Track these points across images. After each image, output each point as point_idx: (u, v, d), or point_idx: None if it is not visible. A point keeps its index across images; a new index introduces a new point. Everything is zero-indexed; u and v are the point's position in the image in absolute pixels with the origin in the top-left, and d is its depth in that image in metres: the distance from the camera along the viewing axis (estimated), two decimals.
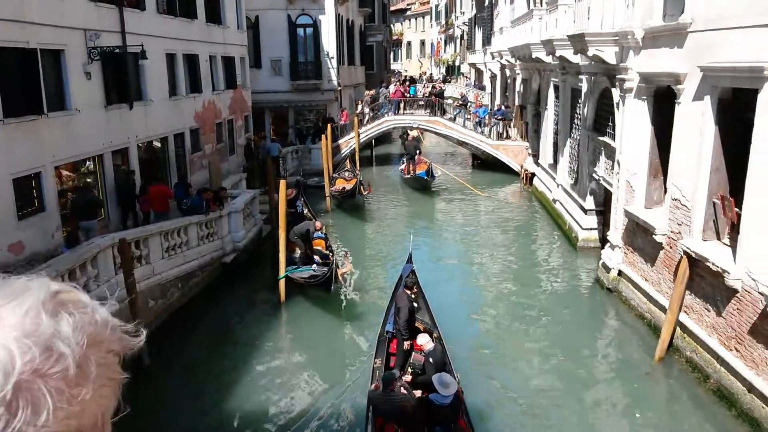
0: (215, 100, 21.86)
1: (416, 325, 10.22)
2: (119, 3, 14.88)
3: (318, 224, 14.94)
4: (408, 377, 8.52)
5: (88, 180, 14.10)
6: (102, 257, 10.46)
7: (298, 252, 14.70)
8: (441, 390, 7.25)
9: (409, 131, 31.13)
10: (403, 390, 7.58)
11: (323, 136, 23.68)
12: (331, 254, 14.39)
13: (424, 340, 8.77)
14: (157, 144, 17.64)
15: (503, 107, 29.02)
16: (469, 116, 29.33)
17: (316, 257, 13.99)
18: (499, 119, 27.72)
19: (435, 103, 29.41)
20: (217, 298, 13.76)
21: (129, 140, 15.48)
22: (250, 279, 15.07)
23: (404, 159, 26.50)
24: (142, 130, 16.25)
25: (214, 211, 14.54)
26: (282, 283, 13.17)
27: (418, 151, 26.36)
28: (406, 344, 9.50)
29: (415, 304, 10.40)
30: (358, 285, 14.14)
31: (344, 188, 21.75)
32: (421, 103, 30.54)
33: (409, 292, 10.30)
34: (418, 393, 7.96)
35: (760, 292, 7.90)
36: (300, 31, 29.70)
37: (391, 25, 58.32)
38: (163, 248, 12.50)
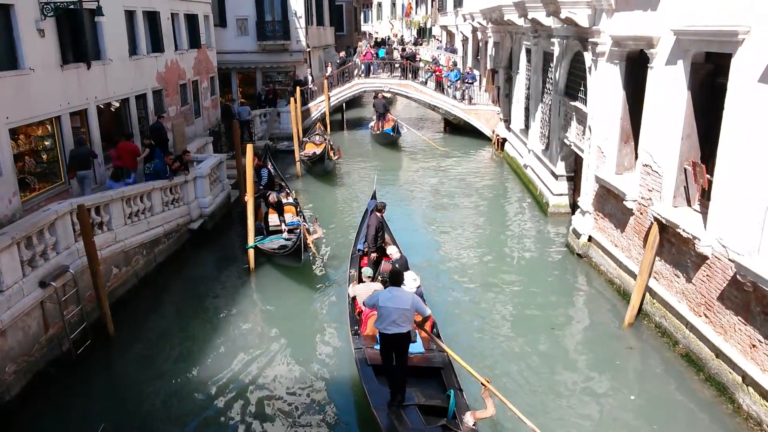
0: (178, 60, 21.09)
1: (383, 244, 11.59)
2: None
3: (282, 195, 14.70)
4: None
5: (47, 143, 13.50)
6: (60, 224, 10.03)
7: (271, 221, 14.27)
8: (409, 282, 8.58)
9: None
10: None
11: (292, 99, 23.15)
12: (302, 220, 14.13)
13: (392, 251, 10.67)
14: (116, 104, 16.97)
15: (473, 71, 28.80)
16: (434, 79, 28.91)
17: (284, 227, 13.74)
18: (470, 83, 27.45)
19: (406, 66, 28.91)
20: (185, 266, 13.47)
21: (88, 101, 14.82)
22: (218, 246, 14.76)
23: (374, 117, 27.49)
24: (102, 91, 15.57)
25: (178, 176, 14.11)
26: (251, 251, 12.92)
27: (386, 109, 27.18)
28: (374, 255, 11.38)
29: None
30: (327, 250, 13.96)
31: (314, 153, 21.37)
32: (397, 65, 29.99)
33: (379, 214, 11.62)
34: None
35: (730, 259, 7.95)
36: None
37: None
38: (125, 214, 12.09)
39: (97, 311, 10.43)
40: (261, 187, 15.06)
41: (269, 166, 17.64)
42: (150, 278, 12.60)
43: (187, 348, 10.03)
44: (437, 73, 28.95)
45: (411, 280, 8.94)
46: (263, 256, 13.12)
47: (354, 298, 9.58)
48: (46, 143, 13.50)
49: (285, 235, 13.53)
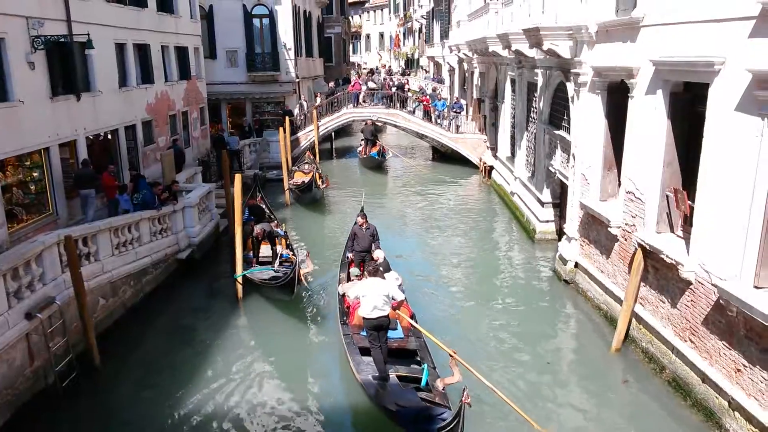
0: (168, 92, 21.26)
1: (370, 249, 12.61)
2: None
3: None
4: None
5: (35, 173, 13.51)
6: (47, 255, 10.00)
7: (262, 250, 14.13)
8: (391, 280, 9.72)
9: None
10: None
11: (281, 128, 23.33)
12: (292, 254, 14.03)
13: (379, 254, 11.63)
14: (107, 136, 17.03)
15: (460, 101, 29.23)
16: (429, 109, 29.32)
17: (276, 262, 13.64)
18: (457, 112, 27.83)
19: (394, 97, 29.30)
20: (172, 296, 13.39)
21: (77, 132, 14.89)
22: (206, 276, 14.68)
23: (362, 142, 29.07)
24: (91, 122, 15.66)
25: (167, 206, 14.13)
26: (239, 281, 12.88)
27: (374, 136, 28.59)
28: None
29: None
30: (317, 281, 13.92)
31: (303, 181, 21.48)
32: (375, 92, 30.41)
33: (360, 220, 12.89)
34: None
35: (712, 284, 8.06)
36: (256, 21, 29.19)
37: (350, 17, 57.90)
38: (113, 245, 12.07)
39: (83, 343, 10.33)
40: (251, 219, 15.04)
41: (258, 199, 17.59)
42: (137, 309, 12.52)
43: (174, 379, 9.93)
44: (424, 102, 29.35)
45: (393, 279, 10.14)
46: (252, 287, 13.02)
47: (344, 295, 10.93)
48: (35, 174, 13.52)
49: (276, 266, 13.44)
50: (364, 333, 9.20)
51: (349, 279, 12.11)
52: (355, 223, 13.17)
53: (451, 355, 8.00)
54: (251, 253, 13.92)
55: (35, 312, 9.26)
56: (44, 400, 9.24)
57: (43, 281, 9.89)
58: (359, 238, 12.74)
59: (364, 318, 8.83)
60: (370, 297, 8.67)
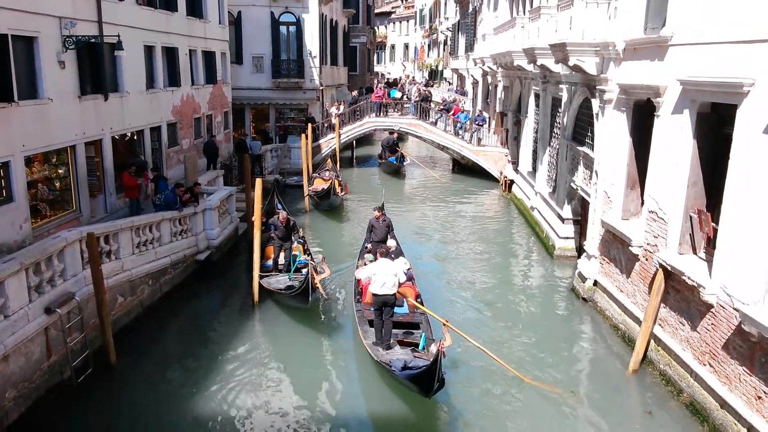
0: (194, 95, 21.53)
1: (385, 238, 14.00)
2: None
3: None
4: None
5: (60, 171, 13.72)
6: (69, 251, 10.14)
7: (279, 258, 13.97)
8: (400, 264, 10.93)
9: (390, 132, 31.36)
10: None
11: (303, 135, 23.48)
12: (309, 259, 13.91)
13: (391, 243, 13.57)
14: (133, 136, 17.28)
15: (483, 113, 29.20)
16: (450, 121, 29.34)
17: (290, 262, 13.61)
18: (480, 125, 27.78)
19: (421, 108, 29.40)
20: (190, 297, 13.48)
21: (103, 132, 15.12)
22: (224, 278, 14.77)
23: (381, 148, 30.72)
24: (117, 122, 15.90)
25: (188, 207, 14.26)
26: (255, 284, 12.93)
27: (393, 143, 29.54)
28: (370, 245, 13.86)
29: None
30: (333, 288, 13.91)
31: (322, 188, 21.56)
32: (406, 105, 30.46)
33: (377, 213, 14.19)
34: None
35: (734, 308, 7.92)
36: (283, 28, 29.47)
37: (375, 28, 58.24)
38: (133, 244, 12.20)
39: (100, 339, 10.44)
40: (270, 228, 15.06)
41: (275, 206, 17.63)
42: (154, 308, 12.64)
43: (187, 380, 9.97)
44: (454, 113, 29.32)
45: (402, 263, 11.58)
46: (269, 292, 13.05)
47: (359, 280, 11.83)
48: (60, 171, 13.73)
49: (291, 275, 13.34)
50: (373, 309, 10.40)
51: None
52: (373, 216, 14.39)
53: (444, 324, 9.20)
54: (269, 262, 13.80)
55: (55, 307, 9.38)
56: (59, 395, 9.34)
57: (63, 277, 10.03)
58: (376, 229, 14.10)
59: (373, 294, 10.14)
60: (380, 275, 10.01)
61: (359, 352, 10.74)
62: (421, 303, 11.48)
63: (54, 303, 9.45)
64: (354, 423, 9.09)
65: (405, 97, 32.10)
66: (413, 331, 10.97)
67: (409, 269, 12.08)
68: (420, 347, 10.08)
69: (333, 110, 30.15)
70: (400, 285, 10.29)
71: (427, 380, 8.32)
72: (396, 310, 10.59)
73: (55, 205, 13.58)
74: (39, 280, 9.35)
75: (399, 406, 9.32)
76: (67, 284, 10.00)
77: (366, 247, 14.28)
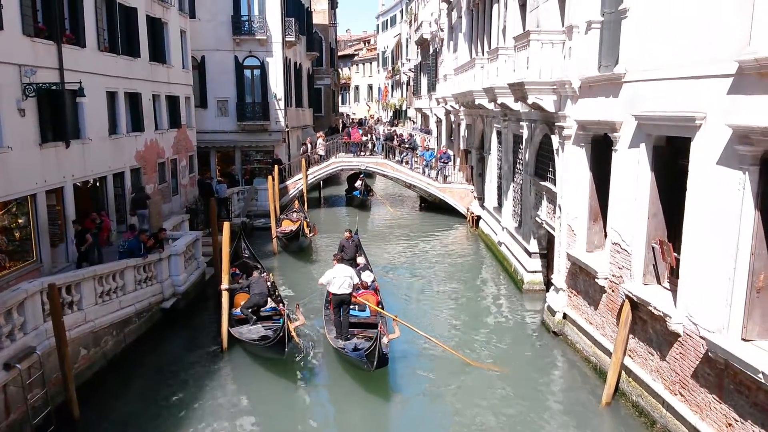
0: (158, 139, 21.40)
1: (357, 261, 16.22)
2: (57, 39, 14.48)
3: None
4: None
5: (20, 220, 13.39)
6: (29, 303, 9.82)
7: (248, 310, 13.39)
8: (366, 277, 14.35)
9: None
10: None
11: (269, 176, 23.44)
12: (282, 306, 13.53)
13: (361, 260, 16.34)
14: (95, 183, 17.01)
15: (447, 151, 29.65)
16: (416, 159, 29.69)
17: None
18: (445, 162, 28.16)
19: (387, 147, 29.74)
20: (155, 347, 13.09)
21: (65, 179, 14.88)
22: (191, 326, 14.38)
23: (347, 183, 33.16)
24: (79, 169, 15.67)
25: (152, 254, 14.00)
26: (224, 330, 12.64)
27: (356, 175, 31.57)
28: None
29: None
30: (306, 334, 13.57)
31: (291, 230, 21.44)
32: (370, 146, 30.70)
33: (347, 234, 16.28)
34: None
35: (701, 336, 8.06)
36: (247, 72, 29.70)
37: (339, 69, 59.07)
38: (96, 293, 11.89)
39: (62, 394, 10.04)
40: (238, 274, 14.84)
41: (243, 250, 17.49)
42: (119, 360, 12.24)
43: None
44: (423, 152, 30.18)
45: (367, 276, 14.54)
46: (238, 340, 12.69)
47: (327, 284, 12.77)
48: (20, 221, 13.41)
49: (264, 325, 12.93)
50: (333, 307, 12.26)
51: None
52: (344, 237, 16.24)
53: (393, 319, 11.61)
54: (238, 310, 13.20)
55: (14, 362, 9.02)
56: None
57: (24, 330, 9.68)
58: (346, 248, 15.82)
59: (333, 294, 12.08)
60: (338, 278, 11.97)
61: (338, 401, 10.82)
62: (382, 308, 13.33)
63: (13, 358, 9.09)
64: None
65: (373, 137, 32.38)
66: (372, 330, 12.47)
67: (373, 281, 14.66)
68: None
69: (320, 141, 30.22)
70: (355, 286, 12.38)
71: (370, 355, 10.16)
72: (359, 314, 13.13)
73: (15, 255, 13.22)
74: None
75: None
76: (27, 338, 9.65)
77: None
